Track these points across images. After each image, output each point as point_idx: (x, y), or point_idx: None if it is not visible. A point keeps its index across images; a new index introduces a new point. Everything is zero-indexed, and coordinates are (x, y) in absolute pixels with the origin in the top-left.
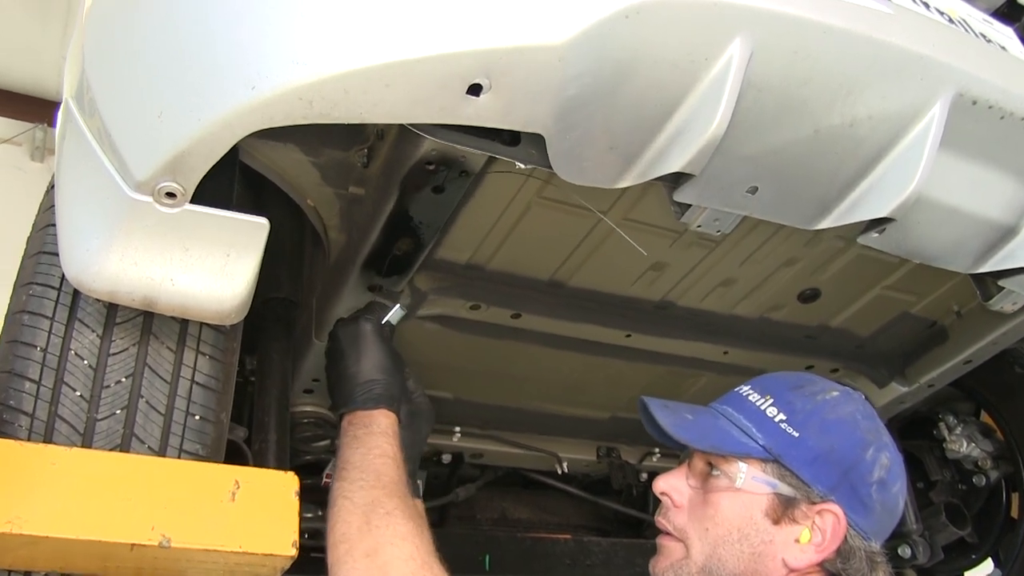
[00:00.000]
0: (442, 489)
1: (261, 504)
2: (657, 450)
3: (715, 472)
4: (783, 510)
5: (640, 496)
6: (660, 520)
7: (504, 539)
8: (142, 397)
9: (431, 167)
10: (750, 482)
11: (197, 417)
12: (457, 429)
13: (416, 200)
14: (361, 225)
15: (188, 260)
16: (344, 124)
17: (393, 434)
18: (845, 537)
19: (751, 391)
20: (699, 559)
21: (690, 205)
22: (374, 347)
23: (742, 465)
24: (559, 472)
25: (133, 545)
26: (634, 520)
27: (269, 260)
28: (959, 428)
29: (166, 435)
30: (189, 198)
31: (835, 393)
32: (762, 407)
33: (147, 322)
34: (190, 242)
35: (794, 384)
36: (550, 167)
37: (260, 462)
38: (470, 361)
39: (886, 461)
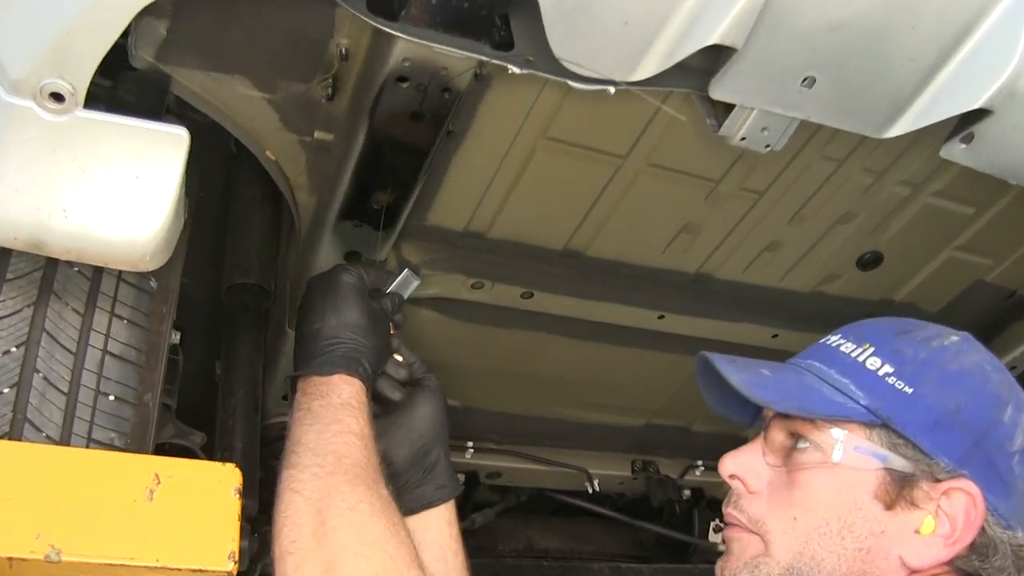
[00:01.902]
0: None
1: (189, 505)
2: (700, 462)
3: (802, 444)
4: (898, 491)
5: (684, 515)
6: (730, 511)
7: (528, 567)
8: (38, 372)
9: (405, 84)
10: (851, 454)
11: (111, 397)
12: (470, 444)
13: (391, 134)
14: (331, 178)
15: (85, 185)
16: (303, 50)
17: (359, 406)
18: (982, 526)
19: (842, 340)
20: (783, 557)
21: (731, 110)
22: (347, 302)
23: (839, 432)
24: (589, 491)
25: (11, 559)
26: (679, 544)
27: (235, 241)
28: None
29: (69, 420)
30: (81, 101)
31: (954, 339)
32: (860, 358)
33: (47, 278)
34: (87, 160)
35: (899, 329)
36: (552, 72)
37: None
38: (478, 358)
39: None
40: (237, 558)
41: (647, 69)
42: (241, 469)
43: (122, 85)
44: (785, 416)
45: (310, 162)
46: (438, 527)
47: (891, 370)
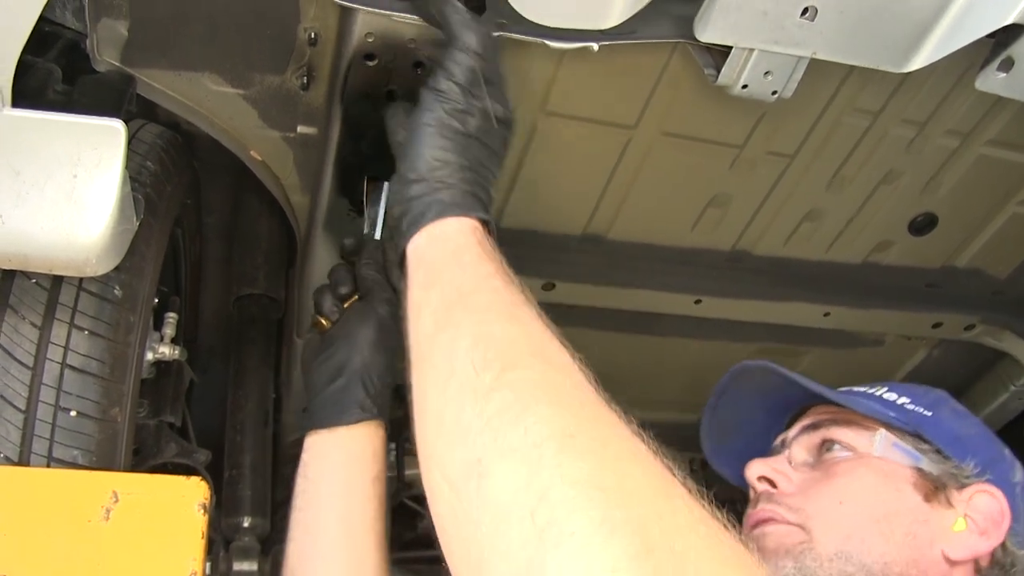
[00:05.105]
0: None
1: (148, 524)
2: None
3: (835, 447)
4: (932, 488)
5: None
6: (762, 507)
7: None
8: None
9: (373, 62)
10: (890, 449)
11: (72, 413)
12: None
13: (367, 118)
14: (318, 174)
15: (21, 188)
16: (271, 39)
17: None
18: (1004, 542)
19: (855, 387)
20: (831, 541)
21: (727, 55)
22: None
23: (877, 432)
24: None
25: None
26: None
27: (241, 250)
28: None
29: (28, 438)
30: (7, 100)
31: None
32: (878, 393)
33: (2, 291)
34: (20, 162)
35: (900, 383)
36: (526, 33)
37: (233, 492)
38: None
39: (1021, 470)
40: None
41: (619, 12)
42: (250, 486)
43: (78, 89)
44: (812, 428)
45: (298, 159)
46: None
47: (908, 400)
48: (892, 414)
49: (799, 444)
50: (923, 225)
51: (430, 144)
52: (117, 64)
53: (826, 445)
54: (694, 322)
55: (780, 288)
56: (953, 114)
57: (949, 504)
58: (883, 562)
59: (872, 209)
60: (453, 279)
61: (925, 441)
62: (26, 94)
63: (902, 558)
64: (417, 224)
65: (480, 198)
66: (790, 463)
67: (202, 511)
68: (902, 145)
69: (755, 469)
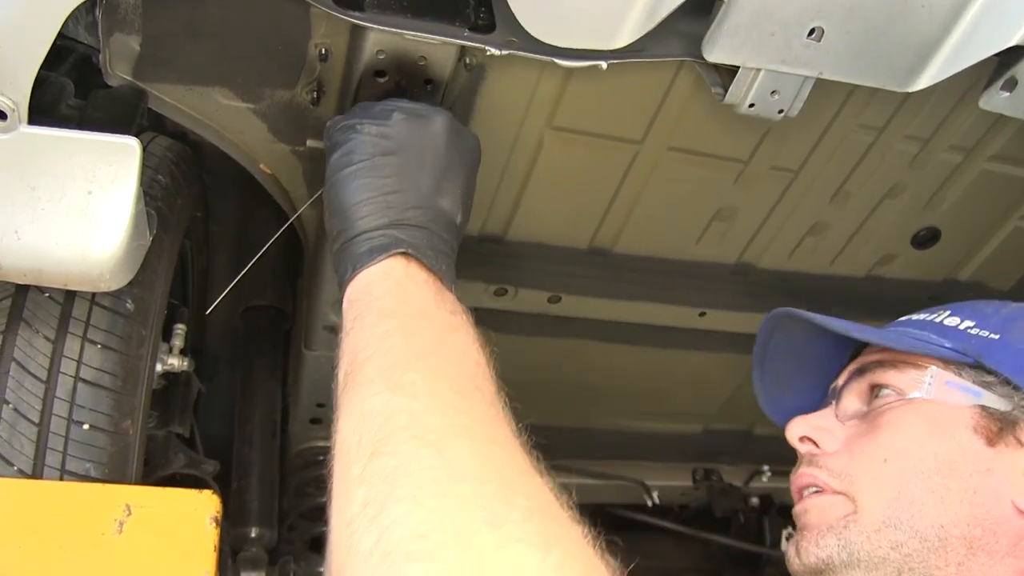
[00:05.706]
0: None
1: (161, 537)
2: (766, 467)
3: (883, 392)
4: (998, 428)
5: (753, 524)
6: (804, 471)
7: None
8: (7, 402)
9: (384, 78)
10: (943, 389)
11: (85, 426)
12: None
13: None
14: None
15: (36, 204)
16: (282, 54)
17: None
18: None
19: (913, 315)
20: (877, 508)
21: (734, 73)
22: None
23: (927, 368)
24: (649, 504)
25: None
26: (749, 556)
27: (246, 263)
28: None
29: (41, 451)
30: (24, 116)
31: None
32: (937, 319)
33: (16, 305)
34: (35, 178)
35: (969, 302)
36: (535, 51)
37: (240, 503)
38: (514, 370)
39: None
40: None
41: (629, 32)
42: (257, 496)
43: (91, 103)
44: (860, 374)
45: (307, 173)
46: None
47: (972, 324)
48: (947, 345)
49: (849, 392)
50: (926, 239)
51: (340, 191)
52: (129, 78)
53: (875, 390)
54: (699, 334)
55: (784, 301)
56: (956, 130)
57: (1020, 444)
58: (938, 525)
59: (876, 223)
60: (351, 348)
61: (989, 372)
62: (40, 108)
63: (962, 518)
64: (341, 290)
65: (407, 224)
66: (837, 416)
67: (214, 524)
68: (906, 160)
69: (794, 429)
